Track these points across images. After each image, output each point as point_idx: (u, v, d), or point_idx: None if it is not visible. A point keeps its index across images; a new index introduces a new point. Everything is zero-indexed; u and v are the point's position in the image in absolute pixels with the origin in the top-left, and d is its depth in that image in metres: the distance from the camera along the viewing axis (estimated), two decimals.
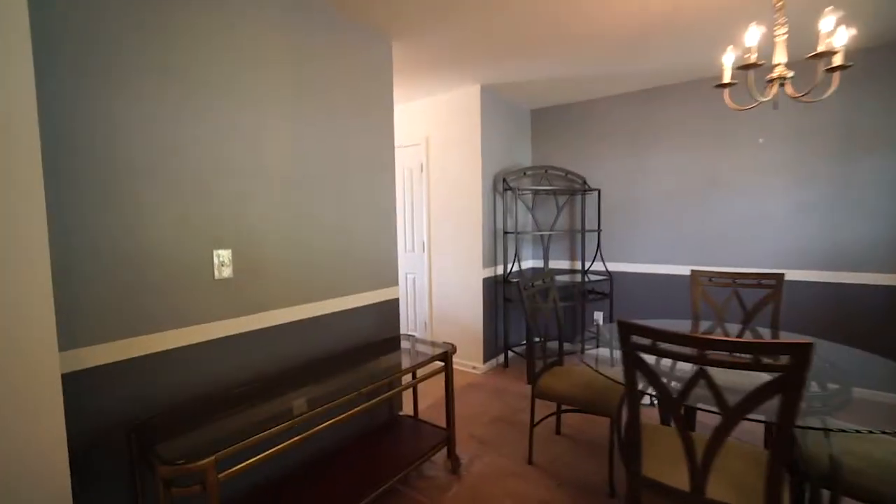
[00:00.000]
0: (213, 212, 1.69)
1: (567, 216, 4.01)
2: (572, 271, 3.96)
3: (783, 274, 2.28)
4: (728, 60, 1.75)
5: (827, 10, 1.44)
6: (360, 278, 2.36)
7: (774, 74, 1.64)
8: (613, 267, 3.77)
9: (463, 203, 3.63)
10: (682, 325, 2.45)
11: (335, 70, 2.19)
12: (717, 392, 1.17)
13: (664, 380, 1.27)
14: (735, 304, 2.47)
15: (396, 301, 2.65)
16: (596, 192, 3.79)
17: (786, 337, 2.19)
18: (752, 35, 1.53)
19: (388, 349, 2.29)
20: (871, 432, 1.28)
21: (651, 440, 1.58)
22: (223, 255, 1.72)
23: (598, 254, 3.79)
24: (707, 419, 2.29)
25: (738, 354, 1.13)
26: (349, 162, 2.28)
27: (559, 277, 3.95)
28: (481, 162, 3.51)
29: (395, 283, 2.63)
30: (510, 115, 3.94)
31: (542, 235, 3.91)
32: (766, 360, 1.08)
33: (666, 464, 1.43)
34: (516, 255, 3.84)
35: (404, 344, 2.42)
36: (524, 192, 3.66)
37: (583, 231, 3.84)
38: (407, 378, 2.15)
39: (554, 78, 3.30)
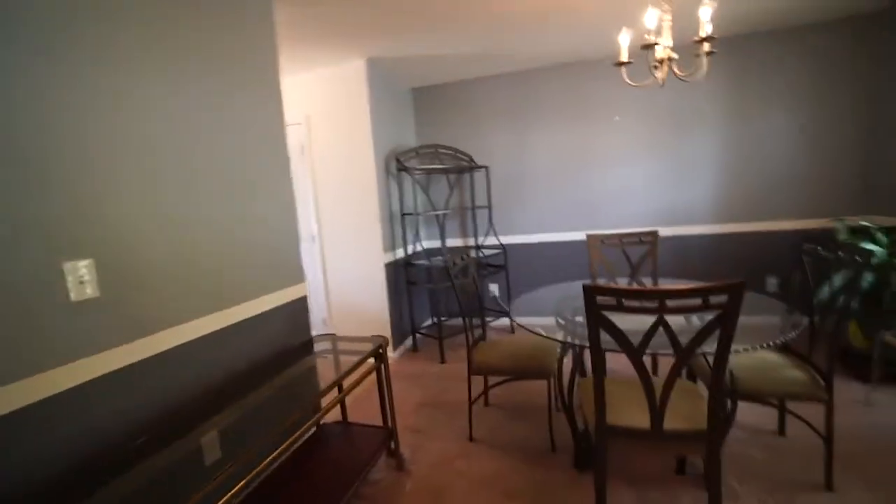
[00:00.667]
0: (61, 210, 1.21)
1: (458, 194, 4.07)
2: (468, 248, 4.07)
3: (657, 231, 2.68)
4: (624, 41, 1.92)
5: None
6: (266, 278, 2.01)
7: (663, 55, 1.85)
8: (507, 240, 3.98)
9: (357, 187, 3.38)
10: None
11: (214, 31, 1.76)
12: (672, 335, 1.30)
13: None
14: (623, 261, 2.82)
15: (305, 299, 2.35)
16: (484, 170, 3.92)
17: (664, 282, 2.60)
18: (651, 17, 1.70)
19: (309, 355, 2.02)
20: (748, 349, 1.56)
21: (588, 389, 1.70)
22: (81, 268, 1.26)
23: (491, 229, 3.96)
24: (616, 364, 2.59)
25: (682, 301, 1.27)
26: (240, 142, 1.88)
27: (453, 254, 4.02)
28: (372, 142, 3.31)
29: (302, 278, 2.32)
30: (395, 93, 3.79)
31: (437, 215, 3.90)
32: (713, 300, 1.23)
33: (618, 410, 1.54)
34: (416, 236, 3.77)
35: (324, 345, 2.17)
36: (417, 171, 3.58)
37: (473, 208, 3.95)
38: (343, 383, 1.92)
39: (443, 55, 3.25)
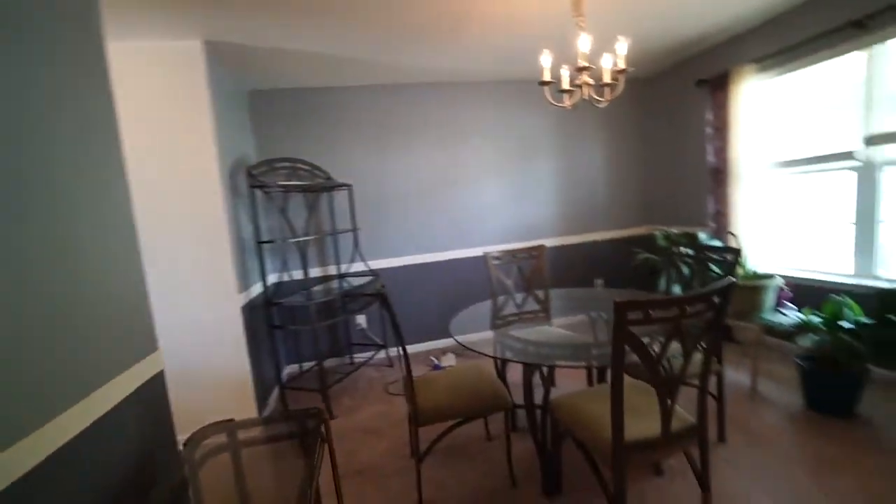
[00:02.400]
0: None
1: (318, 216, 3.54)
2: (332, 276, 3.56)
3: (544, 245, 2.90)
4: (546, 61, 2.00)
5: (620, 38, 1.89)
6: (103, 352, 1.23)
7: (578, 81, 2.01)
8: (378, 265, 3.66)
9: (196, 208, 2.52)
10: (484, 305, 2.65)
11: None
12: (683, 341, 1.37)
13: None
14: (516, 275, 2.93)
15: (162, 376, 1.58)
16: (347, 188, 3.53)
17: (539, 292, 2.82)
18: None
19: (186, 467, 1.34)
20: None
21: (576, 408, 1.66)
22: None
23: (358, 253, 3.58)
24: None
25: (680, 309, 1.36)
26: (48, 141, 1.11)
27: (317, 287, 3.46)
28: (216, 150, 2.54)
29: (155, 344, 1.54)
30: (233, 93, 3.04)
31: (298, 241, 3.28)
32: (715, 301, 1.36)
33: (599, 422, 1.53)
34: (284, 265, 3.08)
35: (215, 440, 1.48)
36: (275, 189, 2.94)
37: (334, 231, 3.49)
38: None
39: (295, 52, 2.77)
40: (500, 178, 3.91)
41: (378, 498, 1.97)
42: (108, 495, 1.13)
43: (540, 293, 2.75)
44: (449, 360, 3.43)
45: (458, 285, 3.79)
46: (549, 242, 3.98)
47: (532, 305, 2.55)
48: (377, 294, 3.49)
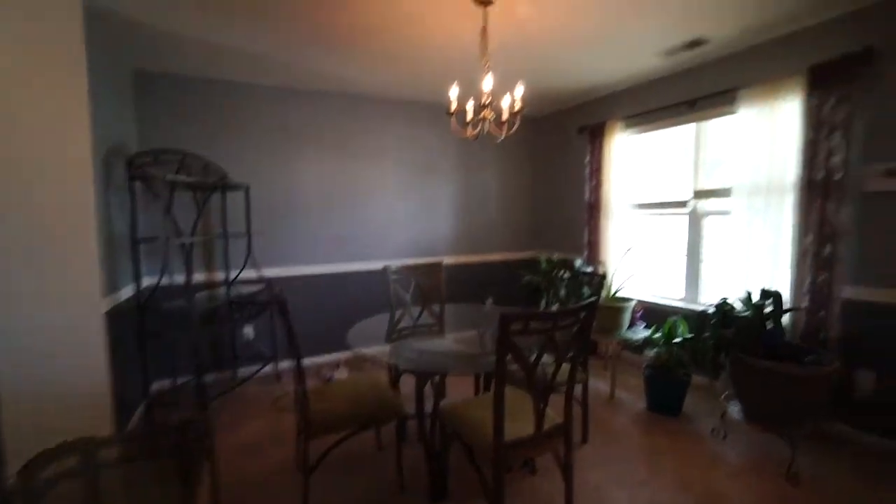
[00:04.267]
0: None
1: (209, 217, 3.27)
2: (228, 282, 3.31)
3: (442, 261, 3.07)
4: (454, 93, 2.19)
5: (519, 82, 2.16)
6: None
7: (479, 116, 2.23)
8: (273, 273, 3.49)
9: (56, 197, 2.18)
10: (381, 319, 2.70)
11: None
12: (556, 351, 1.60)
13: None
14: (414, 290, 3.03)
15: None
16: (244, 190, 3.33)
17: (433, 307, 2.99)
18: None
19: None
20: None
21: (462, 414, 1.81)
22: None
23: (251, 260, 3.38)
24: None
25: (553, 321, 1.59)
26: None
27: (201, 294, 3.18)
28: (90, 132, 2.25)
29: None
30: (114, 68, 2.72)
31: (183, 243, 2.99)
32: (582, 316, 1.61)
33: (484, 425, 1.70)
34: (166, 268, 2.78)
35: (63, 465, 1.32)
36: (157, 183, 2.67)
37: (226, 235, 3.26)
38: None
39: (197, 38, 2.62)
40: (403, 195, 4.03)
41: None
42: None
43: (436, 308, 2.90)
44: (342, 374, 3.38)
45: (356, 298, 3.79)
46: (446, 260, 4.19)
47: (428, 319, 2.67)
48: (274, 300, 3.34)
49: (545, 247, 4.59)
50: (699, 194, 3.20)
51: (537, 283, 3.75)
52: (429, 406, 2.04)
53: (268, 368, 3.50)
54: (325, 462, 2.09)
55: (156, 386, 3.17)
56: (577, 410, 2.33)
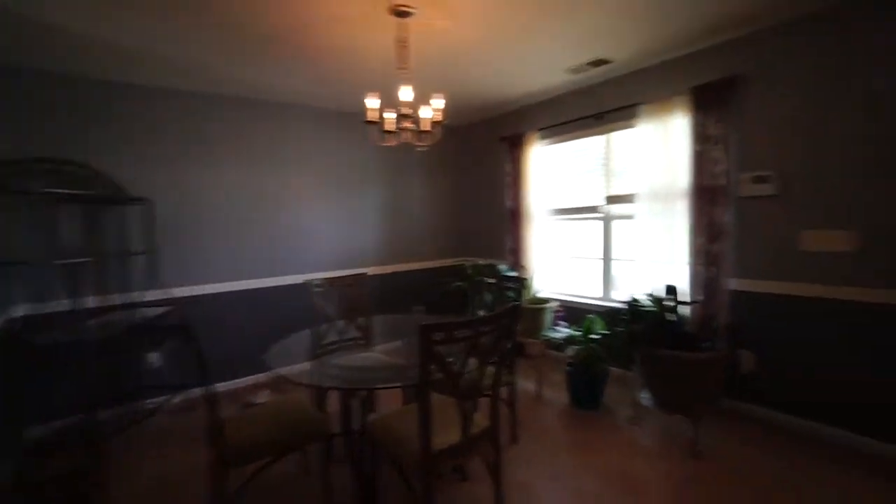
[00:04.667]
0: None
1: (101, 234, 2.90)
2: (126, 306, 2.94)
3: (366, 272, 3.00)
4: (372, 103, 2.16)
5: (437, 94, 2.19)
6: None
7: (400, 125, 2.23)
8: (182, 292, 3.18)
9: None
10: (306, 335, 2.57)
11: None
12: (481, 353, 1.62)
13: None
14: (339, 303, 2.93)
15: None
16: (146, 203, 3.01)
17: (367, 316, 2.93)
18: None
19: None
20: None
21: (389, 426, 1.77)
22: None
23: (157, 279, 3.06)
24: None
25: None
26: None
27: (93, 321, 2.81)
28: None
29: None
30: None
31: (66, 264, 2.63)
32: (503, 322, 1.65)
33: (411, 437, 1.68)
34: (40, 296, 2.40)
35: None
36: (30, 197, 2.33)
37: (123, 253, 2.92)
38: None
39: (93, 36, 2.34)
40: (324, 204, 3.91)
41: None
42: None
43: (362, 320, 2.82)
44: (265, 397, 3.17)
45: (279, 315, 3.58)
46: (372, 270, 4.12)
47: (354, 333, 2.59)
48: (175, 326, 3.04)
49: (471, 253, 4.68)
50: (610, 200, 3.47)
51: (464, 289, 3.81)
52: (358, 422, 1.97)
53: (181, 397, 3.18)
54: (248, 492, 1.94)
55: (36, 432, 2.73)
56: (506, 412, 2.41)
